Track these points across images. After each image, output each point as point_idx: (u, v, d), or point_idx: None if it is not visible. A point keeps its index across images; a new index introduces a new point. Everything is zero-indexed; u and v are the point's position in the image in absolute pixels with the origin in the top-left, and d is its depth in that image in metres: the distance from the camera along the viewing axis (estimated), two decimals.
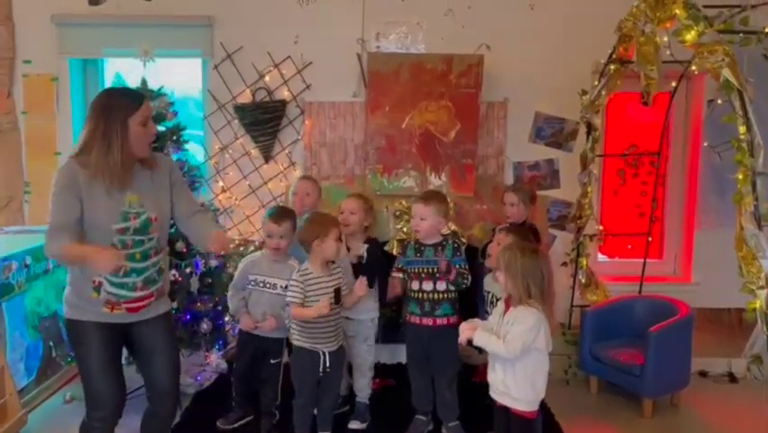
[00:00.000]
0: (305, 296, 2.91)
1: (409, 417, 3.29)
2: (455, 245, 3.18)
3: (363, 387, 3.40)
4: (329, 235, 2.91)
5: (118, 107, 2.33)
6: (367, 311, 3.34)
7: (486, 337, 2.55)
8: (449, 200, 3.95)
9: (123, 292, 2.38)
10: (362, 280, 3.04)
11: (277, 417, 3.29)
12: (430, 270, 3.14)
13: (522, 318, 2.50)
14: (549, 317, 2.56)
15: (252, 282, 3.20)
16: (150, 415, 2.63)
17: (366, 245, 3.31)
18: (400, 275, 3.22)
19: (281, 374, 3.27)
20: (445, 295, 3.14)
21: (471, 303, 3.48)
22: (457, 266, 3.11)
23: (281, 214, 3.17)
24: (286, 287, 3.08)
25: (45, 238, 2.33)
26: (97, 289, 2.37)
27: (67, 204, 2.31)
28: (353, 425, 3.32)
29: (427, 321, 3.15)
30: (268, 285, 3.17)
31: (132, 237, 2.38)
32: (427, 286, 3.13)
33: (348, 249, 3.27)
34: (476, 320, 2.71)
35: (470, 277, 3.15)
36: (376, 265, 3.32)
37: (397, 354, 3.91)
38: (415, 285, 3.16)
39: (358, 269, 3.24)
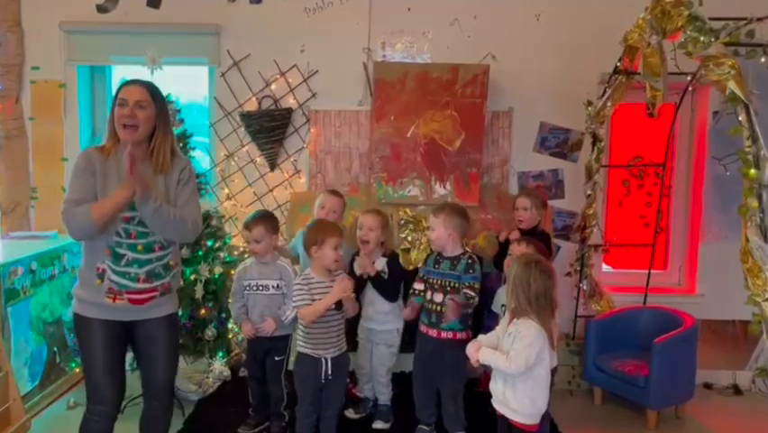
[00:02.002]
0: (311, 299, 2.91)
1: (413, 426, 3.29)
2: (469, 261, 3.15)
3: (383, 390, 3.47)
4: (326, 243, 2.92)
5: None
6: (391, 321, 3.40)
7: (490, 355, 2.54)
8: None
9: (124, 282, 2.41)
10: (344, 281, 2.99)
11: (286, 418, 3.31)
12: (442, 282, 3.15)
13: (523, 333, 2.49)
14: (547, 329, 2.51)
15: (247, 287, 3.31)
16: (146, 415, 2.65)
17: (385, 259, 3.37)
18: (421, 286, 3.23)
19: (284, 371, 3.29)
20: None
21: (478, 312, 3.47)
22: (465, 283, 3.10)
23: (252, 219, 3.27)
24: (277, 286, 3.25)
25: (64, 216, 2.35)
26: (101, 275, 2.40)
27: (85, 183, 2.38)
28: (377, 425, 3.40)
29: (432, 332, 3.16)
30: (260, 287, 3.28)
31: (136, 228, 2.41)
32: (437, 297, 3.13)
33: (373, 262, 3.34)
34: (479, 339, 2.69)
35: (477, 296, 3.11)
36: (397, 277, 3.38)
37: (402, 362, 3.89)
38: (428, 295, 3.18)
39: (378, 283, 3.33)
